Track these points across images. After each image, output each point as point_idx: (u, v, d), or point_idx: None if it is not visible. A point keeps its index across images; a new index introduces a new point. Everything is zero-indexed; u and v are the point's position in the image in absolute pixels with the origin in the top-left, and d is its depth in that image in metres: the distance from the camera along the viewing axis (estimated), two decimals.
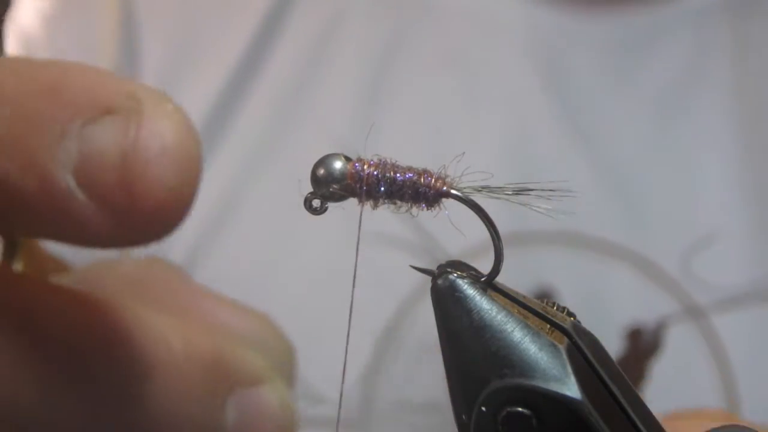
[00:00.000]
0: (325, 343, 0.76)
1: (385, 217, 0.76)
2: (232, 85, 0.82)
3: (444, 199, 0.38)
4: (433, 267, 0.38)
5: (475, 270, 0.38)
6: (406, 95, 0.83)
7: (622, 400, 0.36)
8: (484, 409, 0.36)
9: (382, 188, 0.37)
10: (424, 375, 0.75)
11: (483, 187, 0.38)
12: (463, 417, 0.37)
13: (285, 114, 0.82)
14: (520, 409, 0.36)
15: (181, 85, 0.82)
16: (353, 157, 0.38)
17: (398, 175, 0.37)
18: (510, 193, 0.38)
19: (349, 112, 0.81)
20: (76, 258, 0.44)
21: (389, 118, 0.81)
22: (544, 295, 0.77)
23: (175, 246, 0.79)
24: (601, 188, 0.80)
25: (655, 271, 0.78)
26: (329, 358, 0.76)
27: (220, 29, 0.84)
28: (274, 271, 0.79)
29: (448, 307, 0.37)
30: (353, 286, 0.38)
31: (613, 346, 0.77)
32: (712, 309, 0.77)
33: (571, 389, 0.35)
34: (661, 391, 0.76)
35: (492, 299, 0.37)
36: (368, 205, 0.38)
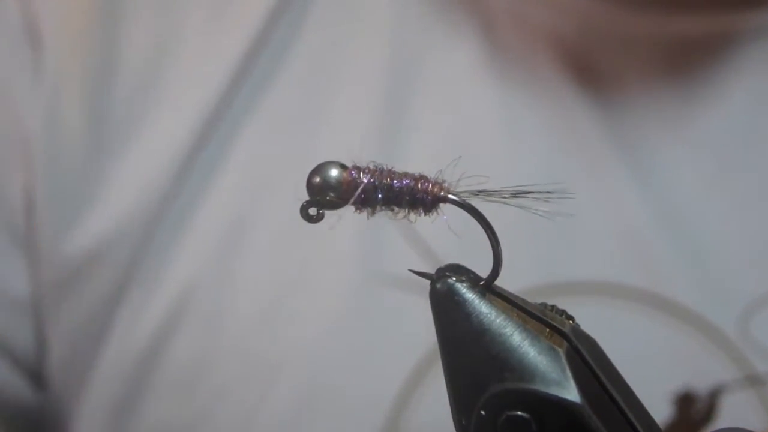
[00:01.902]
0: (338, 390, 0.71)
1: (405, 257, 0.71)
2: (230, 86, 0.74)
3: (442, 204, 0.38)
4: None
5: (474, 274, 0.38)
6: (432, 108, 0.74)
7: (622, 404, 0.36)
8: (483, 413, 0.36)
9: (380, 195, 0.37)
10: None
11: (480, 191, 0.38)
12: (463, 421, 0.37)
13: (298, 130, 0.75)
14: (519, 413, 0.36)
15: (173, 80, 0.75)
16: (349, 164, 0.38)
17: (395, 181, 0.38)
18: (507, 196, 0.37)
19: (367, 130, 0.73)
20: None
21: (414, 140, 0.73)
22: None
23: (180, 272, 0.73)
24: (650, 235, 0.72)
25: (711, 331, 0.71)
26: (345, 407, 0.73)
27: (215, 23, 0.75)
28: (284, 301, 0.73)
29: (447, 311, 0.37)
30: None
31: (662, 412, 0.70)
32: None
33: (571, 393, 0.35)
34: None
35: (491, 303, 0.37)
36: (365, 212, 0.38)
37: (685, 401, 0.71)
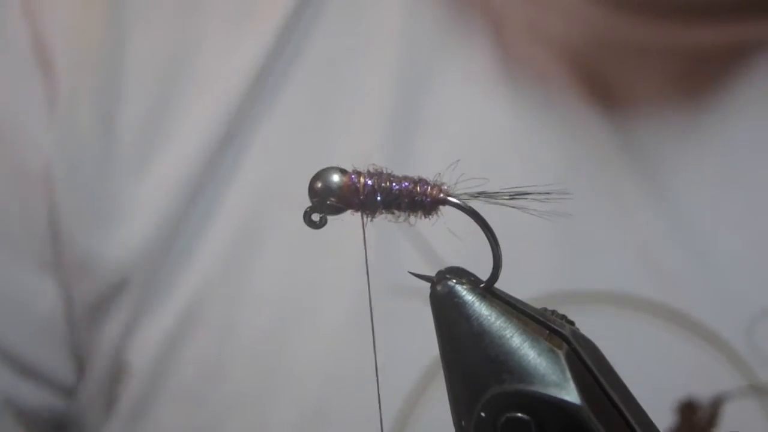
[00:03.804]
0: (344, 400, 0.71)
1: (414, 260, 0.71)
2: (244, 106, 0.74)
3: (442, 207, 0.38)
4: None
5: (475, 276, 0.38)
6: (444, 117, 0.74)
7: (621, 406, 0.35)
8: (483, 414, 0.36)
9: (379, 198, 0.38)
10: None
11: (480, 193, 0.38)
12: (463, 423, 0.37)
13: (308, 140, 0.75)
14: (519, 414, 0.36)
15: (184, 98, 0.75)
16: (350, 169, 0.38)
17: (394, 184, 0.38)
18: (507, 198, 0.37)
19: (378, 137, 0.73)
20: None
21: (424, 148, 0.73)
22: None
23: (189, 280, 0.74)
24: (661, 246, 0.72)
25: (715, 341, 0.71)
26: (349, 415, 0.73)
27: (227, 36, 0.75)
28: (293, 308, 0.73)
29: (448, 313, 0.37)
30: (371, 320, 0.39)
31: (664, 420, 0.70)
32: None
33: (571, 394, 0.35)
34: None
35: (491, 305, 0.37)
36: (366, 216, 0.38)
37: (688, 409, 0.71)
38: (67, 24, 0.76)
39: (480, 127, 0.74)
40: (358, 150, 0.72)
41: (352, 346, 0.71)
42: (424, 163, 0.71)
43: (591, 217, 0.72)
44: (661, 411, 0.70)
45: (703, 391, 0.70)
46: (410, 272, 0.40)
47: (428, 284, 0.38)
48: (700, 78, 0.74)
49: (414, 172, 0.39)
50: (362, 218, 0.39)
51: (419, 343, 0.61)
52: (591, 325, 0.70)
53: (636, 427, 0.35)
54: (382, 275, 0.69)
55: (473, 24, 0.75)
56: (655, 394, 0.60)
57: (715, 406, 0.71)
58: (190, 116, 0.75)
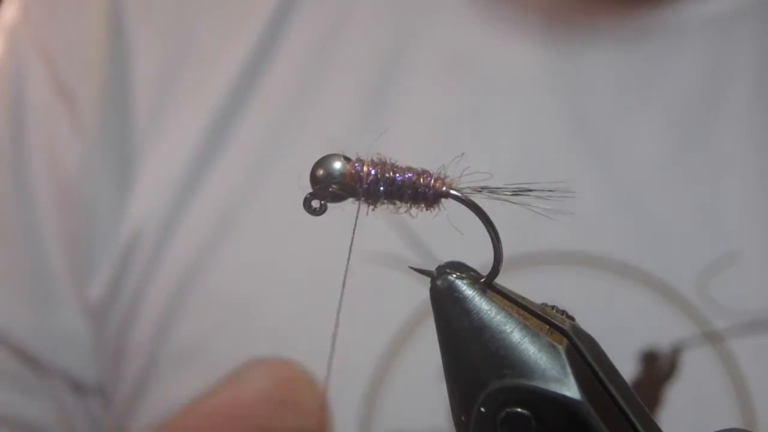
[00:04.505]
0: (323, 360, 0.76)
1: (390, 238, 0.75)
2: (232, 92, 0.80)
3: (443, 200, 0.38)
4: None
5: (475, 271, 0.38)
6: (411, 102, 0.80)
7: (621, 402, 0.36)
8: (483, 409, 0.36)
9: (382, 188, 0.37)
10: (426, 400, 0.73)
11: (482, 188, 0.38)
12: (462, 418, 0.36)
13: (287, 121, 0.80)
14: (519, 409, 0.35)
15: (179, 92, 0.81)
16: (353, 157, 0.38)
17: (398, 175, 0.38)
18: (509, 193, 0.38)
19: (353, 119, 0.79)
20: None
21: (394, 125, 0.79)
22: None
23: (175, 258, 0.79)
24: (615, 207, 0.78)
25: (671, 293, 0.77)
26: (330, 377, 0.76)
27: (219, 33, 0.82)
28: (274, 284, 0.78)
29: (447, 308, 0.37)
30: (342, 292, 0.39)
31: (628, 370, 0.76)
32: (730, 333, 0.75)
33: (571, 390, 0.35)
34: (676, 416, 0.74)
35: (491, 300, 0.37)
36: (368, 205, 0.38)
37: (650, 359, 0.76)
38: (81, 61, 0.83)
39: (440, 110, 0.80)
40: (333, 130, 0.78)
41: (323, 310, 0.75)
42: (395, 132, 0.76)
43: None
44: (624, 361, 0.75)
45: (662, 341, 0.75)
46: (410, 267, 0.39)
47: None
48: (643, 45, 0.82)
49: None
50: (359, 206, 0.38)
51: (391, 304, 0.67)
52: (552, 284, 0.75)
53: (636, 422, 0.35)
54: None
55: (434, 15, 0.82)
56: (618, 346, 0.64)
57: (675, 354, 0.76)
58: (184, 120, 0.81)
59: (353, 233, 0.38)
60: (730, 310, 0.76)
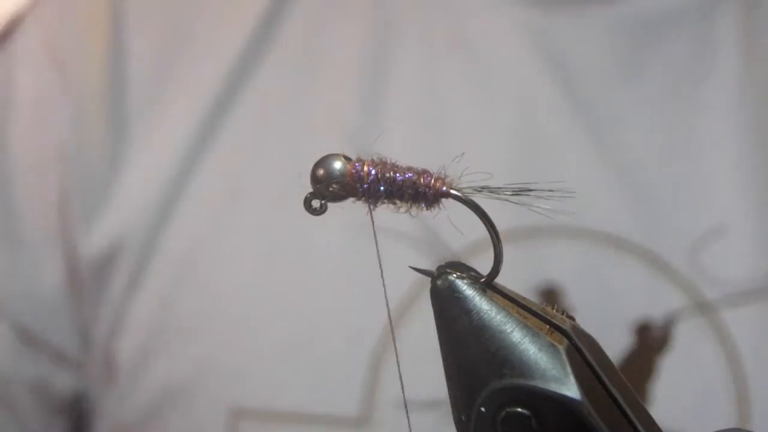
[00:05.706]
0: (321, 344, 0.77)
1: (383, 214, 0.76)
2: (228, 81, 0.81)
3: (444, 199, 0.38)
4: (434, 267, 0.38)
5: (475, 271, 0.38)
6: (406, 88, 0.80)
7: (622, 402, 0.36)
8: (483, 409, 0.36)
9: (382, 188, 0.37)
10: (426, 375, 0.74)
11: (483, 188, 0.38)
12: (463, 418, 0.37)
13: (283, 110, 0.81)
14: (519, 409, 0.36)
15: (176, 81, 0.82)
16: (353, 156, 0.38)
17: (398, 174, 0.37)
18: (510, 193, 0.38)
19: (349, 113, 0.80)
20: None
21: (392, 108, 0.79)
22: (548, 291, 0.76)
23: (175, 243, 0.79)
24: (607, 181, 0.79)
25: (663, 265, 0.77)
26: (324, 358, 0.76)
27: (214, 23, 0.83)
28: (273, 269, 0.79)
29: (448, 308, 0.37)
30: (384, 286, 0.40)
31: (621, 341, 0.77)
32: (722, 304, 0.76)
33: (571, 390, 0.35)
34: (669, 387, 0.75)
35: (491, 300, 0.37)
36: (368, 204, 0.38)
37: (642, 330, 0.77)
38: (74, 30, 0.84)
39: (437, 92, 0.80)
40: (331, 115, 0.78)
41: (328, 287, 0.77)
42: (390, 118, 0.77)
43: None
44: (617, 333, 0.76)
45: (655, 312, 0.77)
46: (411, 267, 0.39)
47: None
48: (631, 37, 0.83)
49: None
50: (370, 207, 0.38)
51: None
52: (546, 258, 0.76)
53: (636, 422, 0.36)
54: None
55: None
56: (611, 318, 0.65)
57: (668, 325, 0.77)
58: (181, 103, 0.81)
59: (375, 237, 0.38)
60: (722, 281, 0.77)
